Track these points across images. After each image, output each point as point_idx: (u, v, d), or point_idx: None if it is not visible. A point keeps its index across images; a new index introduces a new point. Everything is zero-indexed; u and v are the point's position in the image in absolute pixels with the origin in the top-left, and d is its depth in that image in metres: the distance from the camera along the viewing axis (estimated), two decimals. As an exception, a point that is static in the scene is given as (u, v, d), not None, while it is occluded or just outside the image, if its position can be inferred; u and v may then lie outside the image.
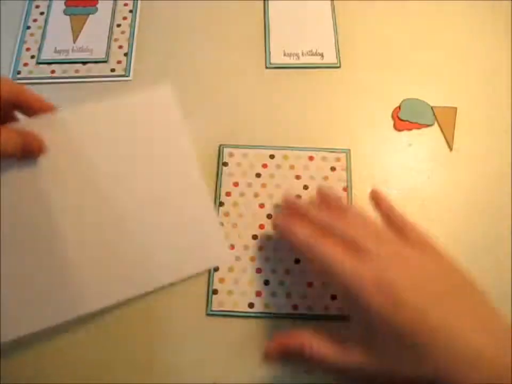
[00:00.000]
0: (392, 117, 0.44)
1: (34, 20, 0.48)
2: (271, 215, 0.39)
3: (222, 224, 0.38)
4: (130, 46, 0.46)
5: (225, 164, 0.40)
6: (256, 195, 0.39)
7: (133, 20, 0.48)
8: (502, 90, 0.45)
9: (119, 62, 0.45)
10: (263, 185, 0.40)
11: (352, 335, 0.29)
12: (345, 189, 0.40)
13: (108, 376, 0.34)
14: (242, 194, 0.39)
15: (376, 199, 0.35)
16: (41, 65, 0.45)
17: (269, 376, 0.34)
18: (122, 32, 0.47)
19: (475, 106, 0.44)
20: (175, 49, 0.46)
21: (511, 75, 0.45)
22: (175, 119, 0.36)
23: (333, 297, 0.36)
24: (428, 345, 0.26)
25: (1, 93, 0.31)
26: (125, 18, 0.48)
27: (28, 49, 0.46)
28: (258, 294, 0.36)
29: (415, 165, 0.42)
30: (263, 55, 0.46)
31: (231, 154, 0.41)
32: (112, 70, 0.45)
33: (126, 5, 0.49)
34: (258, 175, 0.40)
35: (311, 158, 0.40)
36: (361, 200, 0.38)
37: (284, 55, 0.46)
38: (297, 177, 0.40)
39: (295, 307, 0.36)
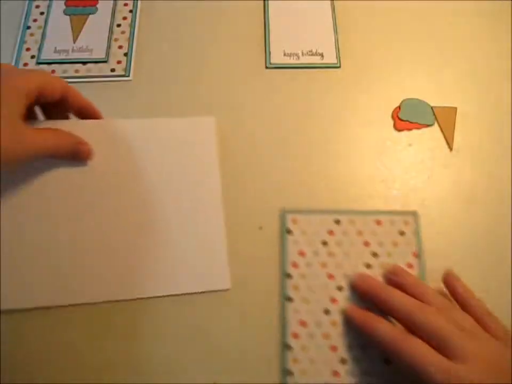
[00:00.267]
0: (392, 117, 0.44)
1: (34, 20, 0.48)
2: (342, 287, 0.36)
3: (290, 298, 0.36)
4: (130, 46, 0.46)
5: (289, 232, 0.38)
6: (324, 265, 0.37)
7: (133, 20, 0.48)
8: (502, 90, 0.45)
9: (119, 62, 0.45)
10: (331, 254, 0.37)
11: None
12: (415, 254, 0.37)
13: (108, 376, 0.34)
14: (309, 265, 0.37)
15: (452, 286, 0.34)
16: (41, 65, 0.45)
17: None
18: (122, 32, 0.47)
19: (475, 106, 0.44)
20: (175, 49, 0.46)
21: (511, 75, 0.45)
22: (211, 148, 0.40)
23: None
24: None
25: (57, 87, 0.34)
26: (125, 18, 0.48)
27: (27, 49, 0.46)
28: (335, 374, 0.34)
29: (415, 165, 0.42)
30: (263, 55, 0.46)
31: (294, 221, 0.38)
32: (112, 70, 0.45)
33: (126, 5, 0.49)
34: (324, 243, 0.37)
35: (378, 223, 0.38)
36: (433, 263, 0.37)
37: (284, 55, 0.46)
38: (366, 243, 0.37)
39: None
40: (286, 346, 0.34)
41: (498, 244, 0.38)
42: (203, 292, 0.36)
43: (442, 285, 0.35)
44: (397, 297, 0.32)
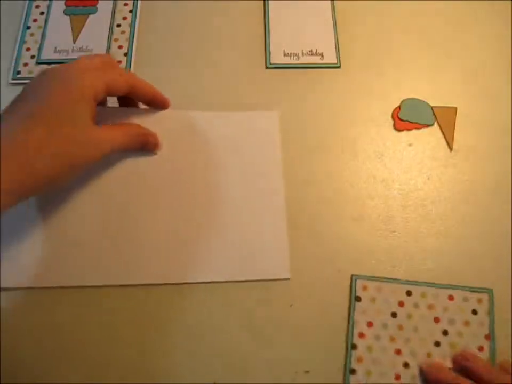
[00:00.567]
0: (392, 117, 0.44)
1: (34, 20, 0.48)
2: (408, 364, 0.35)
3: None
4: (130, 46, 0.46)
5: (358, 299, 0.36)
6: (392, 339, 0.35)
7: (133, 20, 0.48)
8: (502, 90, 0.45)
9: (119, 62, 0.45)
10: (400, 327, 0.35)
11: None
12: (487, 337, 0.35)
13: (108, 376, 0.34)
14: (377, 338, 0.35)
15: None
16: (41, 65, 0.45)
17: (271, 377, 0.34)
18: (122, 32, 0.47)
19: (475, 106, 0.44)
20: (175, 49, 0.46)
21: (511, 75, 0.45)
22: (275, 142, 0.41)
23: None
24: None
25: (122, 85, 0.35)
26: (125, 18, 0.48)
27: (28, 49, 0.46)
28: None
29: (415, 165, 0.42)
30: (263, 55, 0.46)
31: (364, 288, 0.37)
32: (112, 70, 0.45)
33: (126, 5, 0.49)
34: (394, 315, 0.36)
35: (451, 298, 0.36)
36: (504, 347, 0.35)
37: (284, 55, 0.46)
38: (436, 319, 0.36)
39: None
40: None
41: (498, 244, 0.38)
42: (263, 280, 0.37)
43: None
44: None
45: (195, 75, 0.45)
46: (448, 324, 0.36)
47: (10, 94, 0.44)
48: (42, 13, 0.48)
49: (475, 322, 0.36)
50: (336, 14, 0.48)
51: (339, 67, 0.46)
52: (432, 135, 0.43)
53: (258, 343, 0.35)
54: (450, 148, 0.42)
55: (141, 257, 0.37)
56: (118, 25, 0.47)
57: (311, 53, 0.46)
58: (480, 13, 0.49)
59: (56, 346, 0.35)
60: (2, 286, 0.35)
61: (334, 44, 0.47)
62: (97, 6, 0.48)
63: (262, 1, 0.49)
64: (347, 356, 0.35)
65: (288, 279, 0.37)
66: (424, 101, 0.44)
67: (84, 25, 0.47)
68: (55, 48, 0.46)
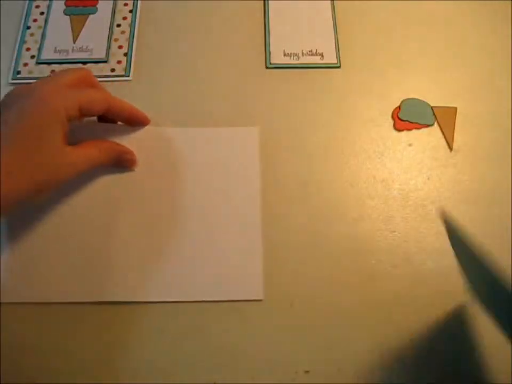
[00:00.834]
0: (392, 117, 0.44)
1: (34, 20, 0.48)
2: None
3: None
4: (130, 46, 0.46)
5: None
6: None
7: (133, 20, 0.48)
8: (502, 90, 0.45)
9: (119, 62, 0.45)
10: None
11: None
12: None
13: (108, 376, 0.34)
14: None
15: None
16: (41, 65, 0.45)
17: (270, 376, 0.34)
18: (122, 32, 0.47)
19: (475, 106, 0.44)
20: (175, 49, 0.46)
21: (511, 75, 0.45)
22: (254, 158, 0.40)
23: None
24: None
25: (98, 105, 0.35)
26: (125, 18, 0.48)
27: (28, 49, 0.46)
28: None
29: (415, 165, 0.42)
30: (263, 55, 0.46)
31: None
32: (112, 70, 0.45)
33: (126, 5, 0.49)
34: None
35: None
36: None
37: (284, 55, 0.46)
38: None
39: None
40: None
41: (498, 244, 0.38)
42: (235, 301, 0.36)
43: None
44: None
45: (195, 75, 0.45)
46: None
47: (10, 94, 0.44)
48: (42, 13, 0.48)
49: None
50: (336, 14, 0.48)
51: (339, 67, 0.46)
52: (432, 135, 0.43)
53: (259, 342, 0.35)
54: (450, 148, 0.42)
55: (111, 275, 0.36)
56: (118, 25, 0.47)
57: (311, 53, 0.46)
58: (480, 13, 0.49)
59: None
60: None
61: (334, 44, 0.47)
62: (97, 6, 0.48)
63: (262, 1, 0.49)
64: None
65: (261, 300, 0.36)
66: (424, 101, 0.44)
67: (84, 25, 0.47)
68: (55, 48, 0.46)
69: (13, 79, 0.44)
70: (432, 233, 0.39)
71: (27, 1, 0.49)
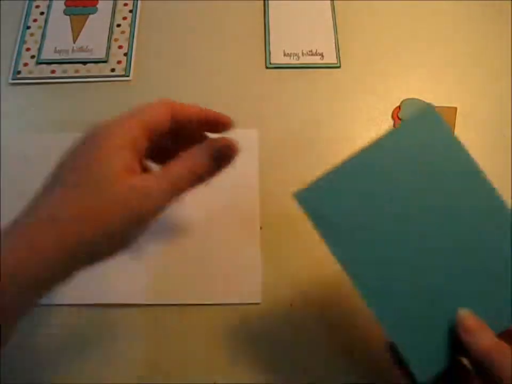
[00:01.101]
0: (392, 117, 0.44)
1: (34, 20, 0.48)
2: None
3: None
4: (130, 46, 0.46)
5: None
6: None
7: (133, 20, 0.48)
8: (502, 90, 0.45)
9: (119, 62, 0.45)
10: None
11: None
12: None
13: (108, 376, 0.34)
14: None
15: None
16: (41, 65, 0.45)
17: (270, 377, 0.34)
18: (122, 32, 0.47)
19: (475, 106, 0.44)
20: (175, 49, 0.46)
21: (511, 75, 0.45)
22: (253, 161, 0.40)
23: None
24: None
25: (162, 119, 0.30)
26: (125, 18, 0.48)
27: (28, 49, 0.46)
28: None
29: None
30: (263, 55, 0.46)
31: None
32: (112, 70, 0.45)
33: (126, 5, 0.49)
34: None
35: None
36: None
37: (284, 55, 0.46)
38: None
39: None
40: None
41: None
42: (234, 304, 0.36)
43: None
44: None
45: (195, 75, 0.45)
46: None
47: (10, 94, 0.44)
48: (42, 13, 0.48)
49: None
50: (336, 14, 0.48)
51: (339, 67, 0.46)
52: (432, 135, 0.43)
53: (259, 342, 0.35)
54: (450, 148, 0.42)
55: (112, 277, 0.36)
56: (118, 25, 0.47)
57: (311, 53, 0.46)
58: (480, 13, 0.49)
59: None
60: None
61: (334, 44, 0.47)
62: (97, 6, 0.48)
63: (262, 1, 0.49)
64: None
65: (258, 303, 0.36)
66: (424, 101, 0.44)
67: (84, 25, 0.47)
68: (55, 48, 0.46)
69: (13, 79, 0.44)
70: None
71: (27, 1, 0.49)
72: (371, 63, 0.46)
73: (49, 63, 0.45)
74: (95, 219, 0.26)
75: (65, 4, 0.48)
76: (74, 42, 0.46)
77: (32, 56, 0.46)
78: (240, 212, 0.39)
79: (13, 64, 0.45)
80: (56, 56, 0.46)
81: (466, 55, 0.47)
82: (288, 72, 0.45)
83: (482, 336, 0.26)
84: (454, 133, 0.31)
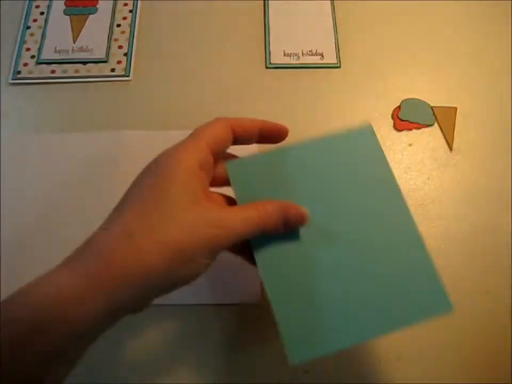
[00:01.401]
0: (392, 117, 0.44)
1: (34, 20, 0.48)
2: None
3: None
4: (130, 46, 0.46)
5: None
6: None
7: (133, 20, 0.48)
8: (502, 90, 0.45)
9: (119, 62, 0.45)
10: None
11: None
12: None
13: (109, 376, 0.34)
14: None
15: None
16: (41, 65, 0.45)
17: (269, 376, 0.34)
18: (122, 32, 0.47)
19: (475, 106, 0.44)
20: (175, 49, 0.46)
21: (511, 75, 0.45)
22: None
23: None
24: None
25: (225, 135, 0.30)
26: (125, 18, 0.48)
27: (28, 49, 0.46)
28: None
29: (415, 165, 0.42)
30: (263, 55, 0.46)
31: None
32: (112, 70, 0.45)
33: (126, 5, 0.49)
34: None
35: None
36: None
37: (284, 55, 0.46)
38: None
39: None
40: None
41: (498, 244, 0.38)
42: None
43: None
44: None
45: (195, 75, 0.45)
46: None
47: (10, 94, 0.44)
48: (42, 13, 0.48)
49: None
50: (336, 14, 0.48)
51: (339, 67, 0.46)
52: (432, 135, 0.43)
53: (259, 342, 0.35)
54: (450, 148, 0.42)
55: None
56: (118, 25, 0.47)
57: (311, 53, 0.46)
58: (480, 13, 0.49)
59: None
60: None
61: (334, 44, 0.47)
62: (97, 6, 0.48)
63: (262, 1, 0.49)
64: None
65: (258, 303, 0.36)
66: (424, 101, 0.44)
67: (84, 25, 0.47)
68: (55, 48, 0.46)
69: (13, 79, 0.44)
70: (432, 233, 0.39)
71: (27, 1, 0.49)
72: (371, 63, 0.46)
73: (49, 63, 0.45)
74: (173, 247, 0.25)
75: (65, 4, 0.48)
76: (74, 42, 0.46)
77: (32, 56, 0.46)
78: None
79: (13, 64, 0.45)
80: (56, 56, 0.46)
81: (466, 55, 0.47)
82: (288, 72, 0.45)
83: None
84: (383, 154, 0.34)
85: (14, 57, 0.46)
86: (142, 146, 0.41)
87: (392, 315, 0.30)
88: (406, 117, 0.43)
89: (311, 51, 0.46)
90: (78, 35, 0.47)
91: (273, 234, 0.29)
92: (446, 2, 0.49)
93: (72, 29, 0.47)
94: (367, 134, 0.35)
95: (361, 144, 0.35)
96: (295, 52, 0.46)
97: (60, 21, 0.47)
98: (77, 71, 0.45)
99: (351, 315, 0.30)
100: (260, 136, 0.32)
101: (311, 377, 0.34)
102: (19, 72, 0.45)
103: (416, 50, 0.47)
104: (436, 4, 0.49)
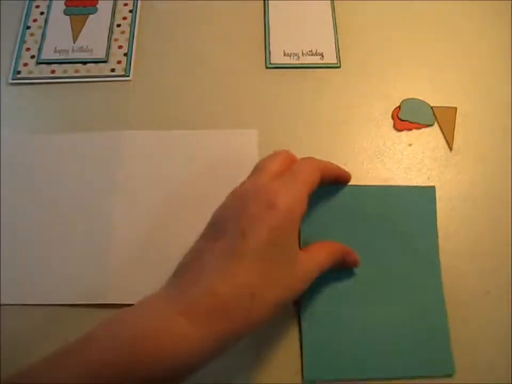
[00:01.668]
0: (392, 117, 0.44)
1: (34, 20, 0.48)
2: None
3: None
4: (130, 46, 0.46)
5: None
6: None
7: (133, 20, 0.48)
8: (502, 90, 0.45)
9: (119, 62, 0.45)
10: None
11: None
12: None
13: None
14: None
15: None
16: (41, 65, 0.45)
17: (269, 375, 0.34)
18: (122, 32, 0.47)
19: (475, 106, 0.44)
20: (175, 49, 0.46)
21: (511, 75, 0.45)
22: (253, 160, 0.37)
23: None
24: None
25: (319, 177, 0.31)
26: (125, 18, 0.48)
27: (28, 49, 0.46)
28: None
29: (415, 165, 0.41)
30: (263, 55, 0.46)
31: None
32: (112, 70, 0.45)
33: (126, 5, 0.49)
34: None
35: None
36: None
37: (284, 55, 0.46)
38: None
39: None
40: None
41: (498, 244, 0.38)
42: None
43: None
44: None
45: (195, 75, 0.45)
46: None
47: (10, 94, 0.44)
48: (42, 13, 0.48)
49: None
50: (336, 14, 0.48)
51: (339, 67, 0.46)
52: (432, 135, 0.43)
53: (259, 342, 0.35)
54: (450, 148, 0.42)
55: (112, 277, 0.36)
56: (118, 25, 0.47)
57: (311, 53, 0.46)
58: (480, 13, 0.49)
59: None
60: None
61: (334, 44, 0.47)
62: (97, 6, 0.48)
63: (262, 1, 0.49)
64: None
65: None
66: (424, 101, 0.44)
67: (84, 25, 0.47)
68: (55, 48, 0.46)
69: (13, 79, 0.44)
70: (432, 233, 0.39)
71: (27, 1, 0.49)
72: (371, 63, 0.46)
73: (49, 63, 0.45)
74: (281, 305, 0.27)
75: (65, 4, 0.48)
76: (74, 42, 0.46)
77: (32, 56, 0.46)
78: None
79: (13, 64, 0.45)
80: (56, 56, 0.46)
81: (466, 55, 0.47)
82: (288, 72, 0.45)
83: None
84: (436, 213, 0.37)
85: (14, 57, 0.46)
86: (142, 146, 0.41)
87: (401, 364, 0.33)
88: (406, 117, 0.43)
89: (311, 51, 0.46)
90: (78, 35, 0.47)
91: None
92: (446, 2, 0.49)
93: (72, 29, 0.47)
94: (428, 195, 0.37)
95: (419, 203, 0.37)
96: (295, 52, 0.46)
97: (60, 21, 0.47)
98: (77, 71, 0.45)
99: (366, 354, 0.33)
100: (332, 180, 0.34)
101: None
102: (19, 72, 0.45)
103: (416, 50, 0.47)
104: (436, 4, 0.49)
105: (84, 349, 0.24)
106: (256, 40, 0.47)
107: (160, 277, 0.35)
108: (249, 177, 0.31)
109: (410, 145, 0.42)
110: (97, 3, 0.48)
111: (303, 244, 0.34)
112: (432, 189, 0.37)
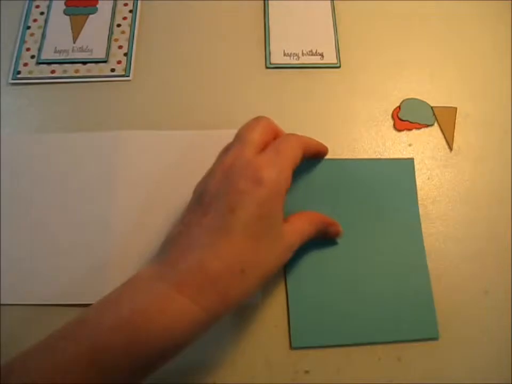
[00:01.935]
0: (392, 117, 0.44)
1: (34, 20, 0.48)
2: None
3: None
4: (130, 46, 0.46)
5: None
6: None
7: (133, 20, 0.48)
8: (502, 90, 0.45)
9: (119, 62, 0.45)
10: None
11: None
12: None
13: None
14: None
15: None
16: (41, 65, 0.45)
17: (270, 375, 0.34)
18: (122, 32, 0.47)
19: (475, 106, 0.44)
20: (175, 49, 0.46)
21: (511, 75, 0.45)
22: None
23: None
24: None
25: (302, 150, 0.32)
26: (125, 18, 0.48)
27: (28, 49, 0.46)
28: None
29: (415, 165, 0.41)
30: (263, 55, 0.46)
31: None
32: (112, 70, 0.45)
33: (126, 5, 0.49)
34: None
35: None
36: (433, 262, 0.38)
37: (284, 55, 0.46)
38: None
39: None
40: None
41: (498, 244, 0.38)
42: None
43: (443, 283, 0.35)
44: None
45: (195, 75, 0.45)
46: None
47: (10, 94, 0.44)
48: (42, 13, 0.48)
49: None
50: (336, 14, 0.48)
51: (339, 67, 0.46)
52: (432, 135, 0.43)
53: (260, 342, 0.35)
54: (450, 148, 0.42)
55: (111, 277, 0.36)
56: (118, 25, 0.47)
57: (311, 53, 0.46)
58: (480, 13, 0.49)
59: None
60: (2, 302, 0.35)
61: (334, 44, 0.47)
62: (97, 6, 0.48)
63: (262, 1, 0.49)
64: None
65: (258, 303, 0.36)
66: (424, 101, 0.44)
67: (83, 25, 0.47)
68: (55, 48, 0.46)
69: (12, 79, 0.44)
70: (432, 233, 0.39)
71: (27, 1, 0.49)
72: (371, 63, 0.46)
73: (49, 63, 0.45)
74: (268, 276, 0.29)
75: (65, 3, 0.48)
76: (74, 42, 0.46)
77: (32, 56, 0.46)
78: None
79: (13, 64, 0.45)
80: (56, 56, 0.45)
81: (467, 55, 0.47)
82: (288, 72, 0.45)
83: None
84: (415, 182, 0.39)
85: (14, 57, 0.46)
86: (142, 146, 0.41)
87: (385, 328, 0.34)
88: (406, 117, 0.43)
89: (311, 51, 0.46)
90: (78, 35, 0.47)
91: None
92: (446, 3, 0.49)
93: (72, 29, 0.47)
94: (407, 166, 0.40)
95: (399, 174, 0.39)
96: (295, 52, 0.46)
97: (60, 21, 0.47)
98: (77, 71, 0.45)
99: (352, 320, 0.34)
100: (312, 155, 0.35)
101: (311, 377, 0.34)
102: (19, 72, 0.45)
103: (416, 50, 0.47)
104: (436, 4, 0.49)
105: (81, 331, 0.25)
106: (256, 40, 0.47)
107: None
108: (231, 147, 0.31)
109: (410, 145, 0.42)
110: (97, 3, 0.48)
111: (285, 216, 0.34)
112: (411, 161, 0.40)
